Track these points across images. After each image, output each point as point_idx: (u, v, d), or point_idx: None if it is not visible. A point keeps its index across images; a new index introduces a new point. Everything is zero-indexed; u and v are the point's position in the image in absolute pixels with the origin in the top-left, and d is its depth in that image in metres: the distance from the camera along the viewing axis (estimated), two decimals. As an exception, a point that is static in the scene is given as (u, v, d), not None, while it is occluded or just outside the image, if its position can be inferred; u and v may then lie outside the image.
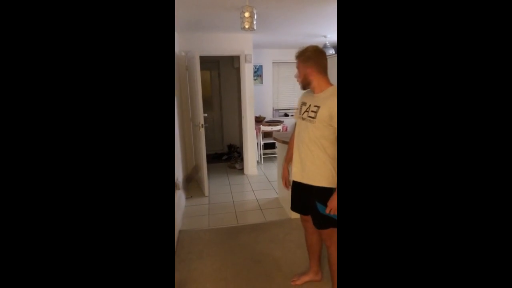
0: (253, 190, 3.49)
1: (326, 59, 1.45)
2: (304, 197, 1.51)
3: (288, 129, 5.04)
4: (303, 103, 1.52)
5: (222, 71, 5.26)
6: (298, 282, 1.75)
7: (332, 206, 1.29)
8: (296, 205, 1.64)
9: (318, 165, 1.38)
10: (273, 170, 4.28)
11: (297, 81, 1.51)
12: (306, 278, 1.76)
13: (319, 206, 1.39)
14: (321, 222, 1.42)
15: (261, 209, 2.94)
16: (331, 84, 1.44)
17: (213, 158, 5.01)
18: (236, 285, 1.79)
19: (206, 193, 3.36)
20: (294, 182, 1.56)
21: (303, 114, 1.48)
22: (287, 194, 2.85)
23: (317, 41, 4.06)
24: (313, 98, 1.45)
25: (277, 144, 3.24)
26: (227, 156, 4.96)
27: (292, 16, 2.77)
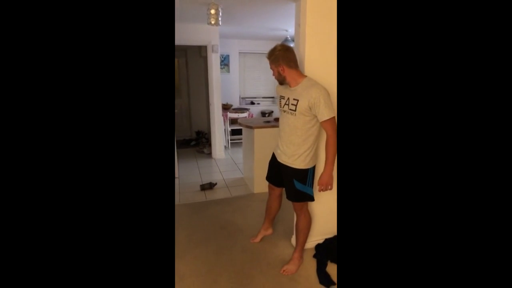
0: (220, 172, 3.80)
1: (294, 54, 1.57)
2: (280, 173, 1.79)
3: (254, 116, 5.38)
4: (282, 97, 1.68)
5: (190, 60, 5.40)
6: (256, 240, 2.12)
7: (322, 183, 1.56)
8: (271, 177, 1.93)
9: (296, 151, 1.61)
10: (239, 154, 4.61)
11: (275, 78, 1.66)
12: (260, 236, 2.14)
13: (296, 183, 1.67)
14: (296, 196, 1.71)
15: (227, 187, 3.27)
16: (304, 76, 1.59)
17: (181, 144, 5.20)
18: (205, 246, 2.11)
19: (176, 174, 3.60)
20: (275, 159, 1.82)
21: (283, 107, 1.65)
22: (252, 174, 3.20)
23: (280, 34, 4.40)
24: (291, 92, 1.60)
25: (243, 129, 3.55)
26: (195, 142, 5.19)
27: (256, 11, 3.05)
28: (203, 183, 3.29)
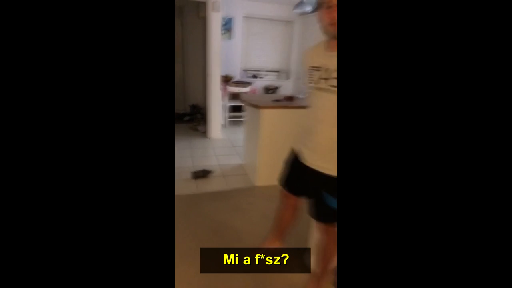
0: (215, 155, 3.26)
1: None
2: (306, 181, 1.26)
3: (257, 93, 4.75)
4: (315, 68, 1.12)
5: (186, 21, 4.65)
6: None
7: None
8: (290, 183, 1.41)
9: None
10: (239, 135, 4.05)
11: (327, 29, 1.04)
12: (264, 249, 1.65)
13: (328, 197, 1.14)
14: (326, 215, 1.19)
15: (224, 176, 2.75)
16: None
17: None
18: (190, 260, 1.62)
19: (164, 156, 3.06)
20: (297, 160, 1.29)
21: (319, 83, 1.10)
22: (253, 160, 2.69)
23: (294, -6, 3.67)
24: (331, 59, 1.04)
25: (245, 107, 2.98)
26: (189, 117, 4.59)
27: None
28: (196, 169, 2.77)
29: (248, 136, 2.82)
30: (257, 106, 2.38)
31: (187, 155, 3.23)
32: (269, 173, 2.55)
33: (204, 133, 4.00)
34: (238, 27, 4.77)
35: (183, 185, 2.52)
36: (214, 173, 2.78)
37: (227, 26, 4.70)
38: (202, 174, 2.66)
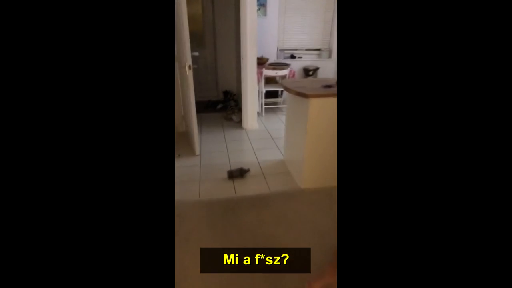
0: (253, 149, 2.92)
1: None
2: None
3: (296, 75, 4.28)
4: None
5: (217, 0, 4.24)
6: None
7: None
8: None
9: None
10: (276, 124, 3.66)
11: None
12: (320, 282, 1.30)
13: None
14: None
15: (263, 175, 2.42)
16: None
17: (206, 107, 4.33)
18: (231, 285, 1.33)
19: (197, 151, 2.79)
20: None
21: None
22: (297, 158, 2.32)
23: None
24: None
25: (285, 94, 2.56)
26: (222, 105, 4.28)
27: None
28: (232, 168, 2.46)
29: (290, 129, 2.43)
30: (304, 95, 1.96)
31: (222, 149, 2.94)
32: (317, 174, 2.16)
33: (239, 123, 3.67)
34: (274, 1, 4.25)
35: (219, 187, 2.23)
36: (252, 171, 2.46)
37: (261, 1, 4.20)
38: (239, 173, 2.35)
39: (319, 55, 4.77)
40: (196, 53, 3.04)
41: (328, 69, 4.74)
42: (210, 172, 2.46)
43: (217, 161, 2.66)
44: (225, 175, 2.38)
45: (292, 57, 4.66)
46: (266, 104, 4.12)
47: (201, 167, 2.55)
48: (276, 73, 3.86)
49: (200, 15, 4.36)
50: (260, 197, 2.09)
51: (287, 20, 4.48)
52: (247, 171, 2.39)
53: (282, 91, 4.32)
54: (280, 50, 4.63)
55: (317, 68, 4.53)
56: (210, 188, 2.22)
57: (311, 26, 4.58)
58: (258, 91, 3.78)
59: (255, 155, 2.80)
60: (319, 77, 4.68)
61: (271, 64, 4.08)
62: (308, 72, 4.50)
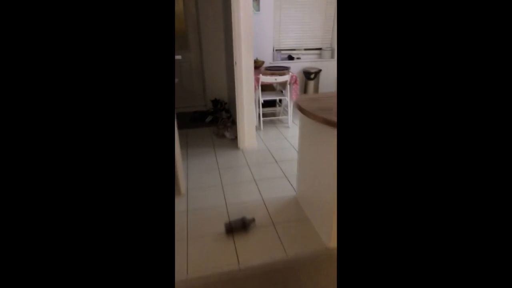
0: (255, 181, 2.30)
1: None
2: None
3: (299, 80, 3.69)
4: None
5: (201, -9, 3.57)
6: None
7: None
8: None
9: None
10: (278, 141, 3.05)
11: None
12: None
13: None
14: None
15: (273, 224, 1.80)
16: None
17: (192, 120, 3.67)
18: None
19: (183, 188, 2.15)
20: None
21: None
22: (314, 197, 1.71)
23: None
24: None
25: (301, 119, 1.96)
26: (212, 117, 3.63)
27: None
28: (230, 218, 1.83)
29: (307, 161, 1.82)
30: (331, 123, 1.36)
31: (215, 181, 2.30)
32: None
33: (233, 141, 3.03)
34: (269, -6, 3.63)
35: (214, 251, 1.60)
36: (257, 217, 1.84)
37: (254, -7, 3.57)
38: (240, 226, 1.73)
39: (320, 55, 4.19)
40: (179, 57, 2.47)
41: (332, 72, 4.17)
42: (201, 222, 1.82)
43: (209, 202, 2.02)
44: (221, 226, 1.75)
45: (290, 58, 4.06)
46: (264, 115, 3.49)
47: (188, 214, 1.91)
48: (275, 79, 3.24)
49: (182, 13, 3.68)
50: (275, 269, 1.47)
51: (283, 16, 3.86)
52: (252, 221, 1.77)
53: (280, 99, 3.71)
54: (276, 50, 4.01)
55: (319, 71, 3.94)
56: (202, 253, 1.58)
57: (310, 23, 3.98)
58: (256, 101, 3.16)
59: (258, 190, 2.17)
60: (321, 81, 4.10)
61: (268, 68, 3.45)
62: (310, 75, 3.91)
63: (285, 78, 3.26)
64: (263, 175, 2.38)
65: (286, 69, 3.37)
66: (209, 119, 3.59)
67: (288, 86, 3.34)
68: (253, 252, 1.58)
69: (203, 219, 1.84)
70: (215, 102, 3.87)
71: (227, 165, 2.55)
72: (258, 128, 3.34)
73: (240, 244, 1.64)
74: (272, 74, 3.25)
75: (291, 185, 2.22)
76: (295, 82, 3.38)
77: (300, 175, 2.00)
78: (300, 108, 1.62)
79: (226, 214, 1.89)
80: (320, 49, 4.16)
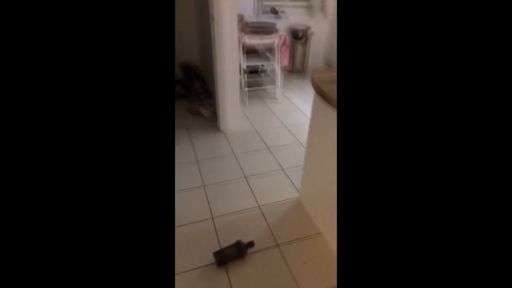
0: (245, 177, 1.83)
1: None
2: None
3: (288, 40, 3.07)
4: None
5: None
6: None
7: None
8: None
9: None
10: (267, 119, 2.55)
11: None
12: None
13: None
14: None
15: (278, 246, 1.39)
16: None
17: (158, 91, 2.97)
18: None
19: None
20: None
21: None
22: (319, 192, 1.31)
23: None
24: None
25: (314, 106, 1.51)
26: (184, 88, 2.96)
27: None
28: (221, 247, 1.38)
29: (319, 158, 1.37)
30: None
31: (195, 182, 1.79)
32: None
33: (212, 120, 2.47)
34: None
35: (202, 292, 1.17)
36: (255, 234, 1.41)
37: None
38: (236, 254, 1.29)
39: (309, 11, 3.53)
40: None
41: (323, 32, 3.58)
42: (182, 250, 1.35)
43: (190, 215, 1.54)
44: (210, 255, 1.31)
45: (274, 12, 3.37)
46: (249, 86, 2.90)
47: (162, 234, 1.43)
48: (261, 39, 2.62)
49: None
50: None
51: (268, -44, 3.08)
52: (249, 246, 1.34)
53: (263, 65, 3.11)
54: (258, 1, 3.29)
55: (308, 28, 3.33)
56: (186, 298, 1.15)
57: (301, -33, 3.25)
58: (240, 69, 2.55)
59: (252, 192, 1.72)
60: (313, 43, 3.50)
61: (250, 26, 2.78)
62: (297, 33, 3.30)
63: (273, 39, 2.65)
64: (255, 168, 1.91)
65: (272, 27, 2.74)
66: (180, 91, 2.92)
67: (276, 49, 2.75)
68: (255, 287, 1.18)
69: (184, 243, 1.38)
70: (186, 68, 3.16)
71: (207, 156, 2.03)
72: (244, 103, 2.77)
73: (234, 275, 1.22)
74: (256, 33, 2.62)
75: (292, 182, 1.79)
76: (284, 42, 2.78)
77: (305, 173, 1.56)
78: (321, 93, 1.11)
79: (213, 231, 1.44)
80: (307, 2, 3.49)
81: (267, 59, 2.90)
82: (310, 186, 1.52)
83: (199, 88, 2.88)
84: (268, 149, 2.12)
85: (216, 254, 1.27)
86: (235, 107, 2.33)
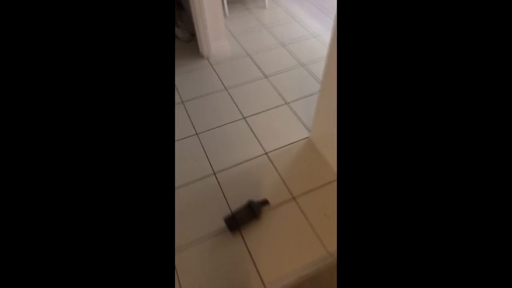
0: (244, 117, 1.54)
1: None
2: None
3: None
4: None
5: None
6: None
7: None
8: None
9: None
10: (257, 37, 2.07)
11: None
12: None
13: None
14: None
15: (293, 198, 1.23)
16: None
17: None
18: None
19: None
20: None
21: None
22: (328, 129, 1.09)
23: None
24: None
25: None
26: None
27: None
28: (230, 206, 1.19)
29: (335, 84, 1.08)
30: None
31: (185, 130, 1.50)
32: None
33: (191, 44, 1.98)
34: None
35: (215, 261, 1.05)
36: (267, 188, 1.24)
37: None
38: (250, 216, 1.13)
39: None
40: None
41: None
42: (188, 216, 1.18)
43: (188, 172, 1.31)
44: (218, 216, 1.14)
45: None
46: (227, -10, 2.26)
47: (159, 201, 1.22)
48: None
49: None
50: (313, 275, 1.00)
51: None
52: (263, 204, 1.17)
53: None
54: None
55: None
56: (202, 268, 1.03)
57: None
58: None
59: (255, 135, 1.46)
60: None
61: None
62: None
63: None
64: (254, 105, 1.60)
65: None
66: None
67: None
68: (275, 254, 1.07)
69: (187, 209, 1.19)
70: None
71: (193, 94, 1.67)
72: (225, 15, 2.21)
73: (253, 242, 1.10)
74: None
75: (299, 118, 1.53)
76: None
77: (322, 108, 1.28)
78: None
79: (218, 189, 1.25)
80: None
81: None
82: (326, 122, 1.27)
83: None
84: (266, 77, 1.76)
85: (227, 220, 1.11)
86: (219, 23, 1.83)
